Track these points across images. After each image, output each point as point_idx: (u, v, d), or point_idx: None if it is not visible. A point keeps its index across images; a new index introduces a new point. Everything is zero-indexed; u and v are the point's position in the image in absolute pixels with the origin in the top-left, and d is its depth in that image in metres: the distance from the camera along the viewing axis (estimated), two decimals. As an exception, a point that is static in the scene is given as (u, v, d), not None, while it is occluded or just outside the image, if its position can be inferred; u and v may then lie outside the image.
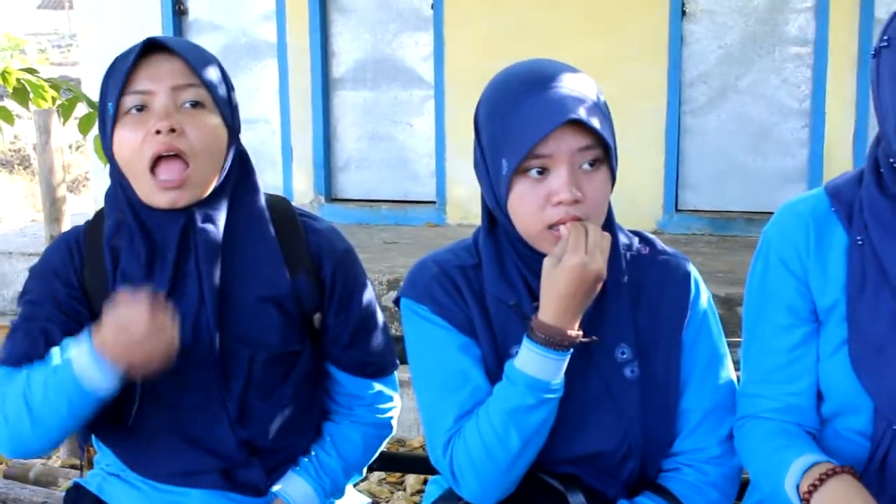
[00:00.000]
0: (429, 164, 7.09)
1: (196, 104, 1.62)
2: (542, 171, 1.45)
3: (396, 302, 1.66)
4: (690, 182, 6.48)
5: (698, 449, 1.61)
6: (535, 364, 1.47)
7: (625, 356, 1.55)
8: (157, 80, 1.60)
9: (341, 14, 7.20)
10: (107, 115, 1.63)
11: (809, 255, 1.50)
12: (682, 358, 1.60)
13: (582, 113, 1.42)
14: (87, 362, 1.53)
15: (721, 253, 5.72)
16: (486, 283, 1.57)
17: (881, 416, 1.43)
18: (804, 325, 1.53)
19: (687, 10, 6.35)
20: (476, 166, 1.56)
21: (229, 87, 1.69)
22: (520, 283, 1.55)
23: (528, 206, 1.46)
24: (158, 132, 1.56)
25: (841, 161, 5.94)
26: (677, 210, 6.47)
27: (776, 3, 6.23)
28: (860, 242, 1.45)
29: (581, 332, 1.48)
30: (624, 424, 1.56)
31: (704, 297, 1.64)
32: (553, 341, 1.46)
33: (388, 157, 7.25)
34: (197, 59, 1.63)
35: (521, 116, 1.43)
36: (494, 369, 1.56)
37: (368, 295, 1.84)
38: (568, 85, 1.45)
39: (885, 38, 1.37)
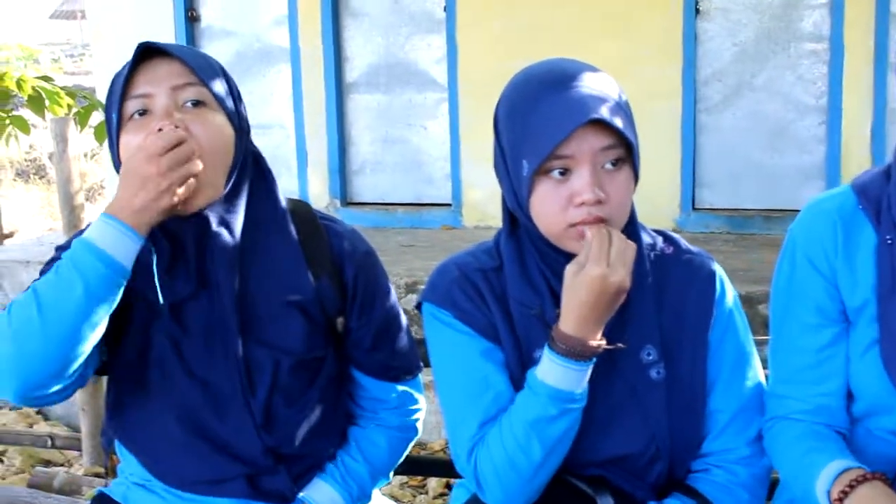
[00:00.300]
0: (444, 167, 7.08)
1: (198, 103, 1.61)
2: (564, 172, 1.43)
3: (418, 306, 1.65)
4: (707, 180, 6.46)
5: (727, 450, 1.59)
6: (556, 375, 1.45)
7: (650, 357, 1.54)
8: (156, 82, 1.60)
9: (353, 18, 7.20)
10: (111, 124, 1.63)
11: (837, 255, 1.48)
12: (709, 358, 1.58)
13: (604, 112, 1.41)
14: (101, 229, 1.50)
15: (740, 251, 5.69)
16: (509, 285, 1.56)
17: None
18: (833, 326, 1.51)
19: (701, 9, 6.32)
20: (496, 167, 1.54)
21: (231, 86, 1.68)
22: (543, 285, 1.54)
23: (550, 207, 1.45)
24: (160, 131, 1.55)
25: (859, 157, 5.91)
26: (695, 209, 6.45)
27: (790, 0, 6.20)
28: (889, 241, 1.43)
29: (604, 341, 1.46)
30: (651, 426, 1.55)
31: (730, 295, 1.62)
32: (574, 352, 1.44)
33: (403, 161, 7.25)
34: (195, 60, 1.63)
35: (542, 116, 1.42)
36: (518, 374, 1.54)
37: (391, 297, 1.83)
38: (589, 84, 1.44)
39: None
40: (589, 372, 1.47)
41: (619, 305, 1.47)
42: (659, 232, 1.65)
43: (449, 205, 7.05)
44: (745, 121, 6.35)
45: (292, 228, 1.72)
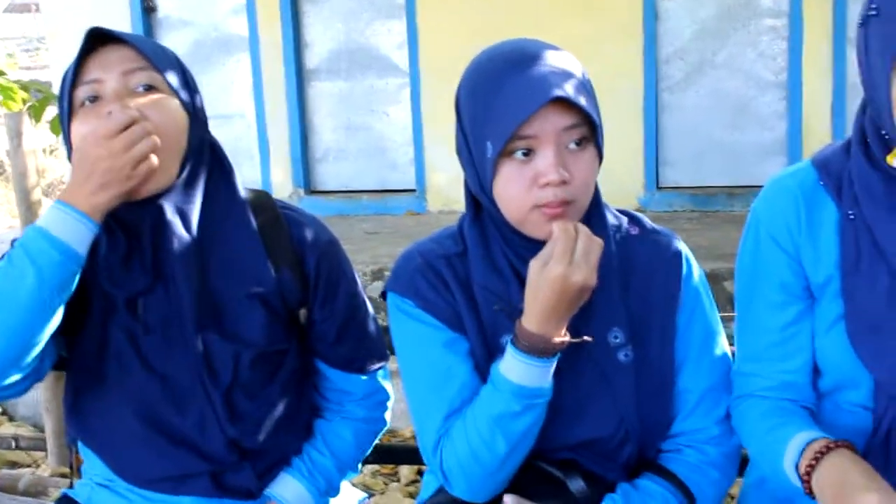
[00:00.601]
0: (407, 153, 7.06)
1: (150, 87, 1.57)
2: (528, 153, 1.40)
3: (383, 295, 1.63)
4: (670, 159, 6.48)
5: (697, 430, 1.58)
6: (519, 371, 1.43)
7: (618, 340, 1.52)
8: (107, 67, 1.56)
9: (313, 4, 7.15)
10: (63, 112, 1.60)
11: (801, 231, 1.47)
12: (677, 338, 1.57)
13: (567, 90, 1.38)
14: (53, 216, 1.48)
15: (703, 228, 5.72)
16: (473, 271, 1.53)
17: (882, 391, 1.41)
18: (797, 303, 1.50)
19: (660, -13, 6.33)
20: (458, 151, 1.52)
21: (187, 76, 1.64)
22: (507, 269, 1.52)
23: (514, 189, 1.42)
24: (110, 114, 1.51)
25: (819, 133, 5.95)
26: (658, 187, 6.47)
27: (748, -24, 6.21)
28: (852, 217, 1.42)
29: (567, 337, 1.44)
30: (620, 409, 1.53)
31: (696, 274, 1.61)
32: (537, 349, 1.42)
33: (366, 147, 7.22)
34: (146, 45, 1.59)
35: (504, 97, 1.39)
36: (484, 362, 1.52)
37: (355, 287, 1.80)
38: (551, 62, 1.41)
39: (874, 6, 1.33)
40: (553, 367, 1.45)
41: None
42: (624, 212, 1.63)
43: (413, 190, 7.04)
44: (707, 98, 6.38)
45: (252, 219, 1.68)
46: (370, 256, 5.24)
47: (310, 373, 1.82)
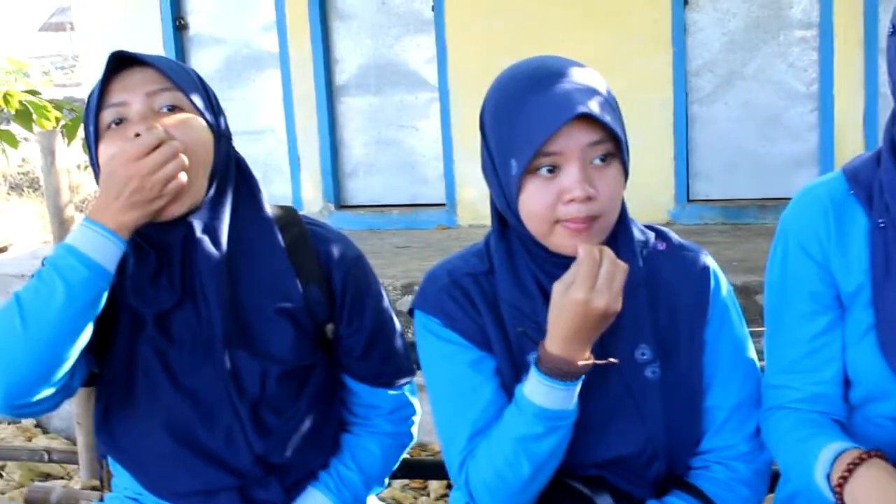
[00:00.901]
0: (437, 167, 7.07)
1: (174, 108, 1.59)
2: (553, 169, 1.40)
3: (410, 312, 1.63)
4: (701, 171, 6.44)
5: (727, 446, 1.57)
6: (542, 394, 1.42)
7: (645, 357, 1.51)
8: (131, 89, 1.58)
9: (342, 21, 7.18)
10: (89, 136, 1.61)
11: (830, 240, 1.46)
12: (705, 354, 1.56)
13: (591, 107, 1.38)
14: (82, 233, 1.49)
15: (735, 241, 5.68)
16: (500, 289, 1.53)
17: None
18: (828, 313, 1.49)
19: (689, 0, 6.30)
20: (484, 169, 1.52)
21: (210, 95, 1.66)
22: (534, 287, 1.51)
23: (539, 206, 1.42)
24: (138, 135, 1.52)
25: (852, 143, 5.89)
26: (689, 200, 6.43)
27: (779, -13, 6.18)
28: (882, 225, 1.41)
29: (591, 358, 1.42)
30: (648, 426, 1.52)
31: (724, 289, 1.60)
32: (560, 372, 1.41)
33: (396, 162, 7.23)
34: (169, 66, 1.61)
35: (528, 114, 1.39)
36: (511, 380, 1.52)
37: (382, 302, 1.80)
38: (574, 79, 1.41)
39: None
40: (577, 389, 1.44)
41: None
42: (651, 227, 1.62)
43: (443, 204, 7.03)
44: (737, 110, 6.34)
45: (279, 235, 1.69)
46: (401, 271, 5.24)
47: (337, 388, 1.82)
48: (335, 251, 1.74)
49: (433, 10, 6.87)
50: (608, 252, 1.40)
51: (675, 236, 1.62)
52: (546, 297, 1.47)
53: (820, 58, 6.08)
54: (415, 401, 1.87)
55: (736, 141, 6.34)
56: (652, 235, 1.60)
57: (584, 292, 1.36)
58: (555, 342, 1.40)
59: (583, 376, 1.43)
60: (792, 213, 1.52)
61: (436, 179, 7.09)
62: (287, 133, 7.32)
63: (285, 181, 7.33)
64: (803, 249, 1.48)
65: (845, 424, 1.51)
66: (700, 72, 6.36)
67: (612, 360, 1.45)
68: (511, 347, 1.53)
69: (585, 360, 1.42)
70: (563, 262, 1.44)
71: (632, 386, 1.51)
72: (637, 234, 1.56)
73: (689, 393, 1.55)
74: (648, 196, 6.03)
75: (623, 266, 1.40)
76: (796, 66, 6.20)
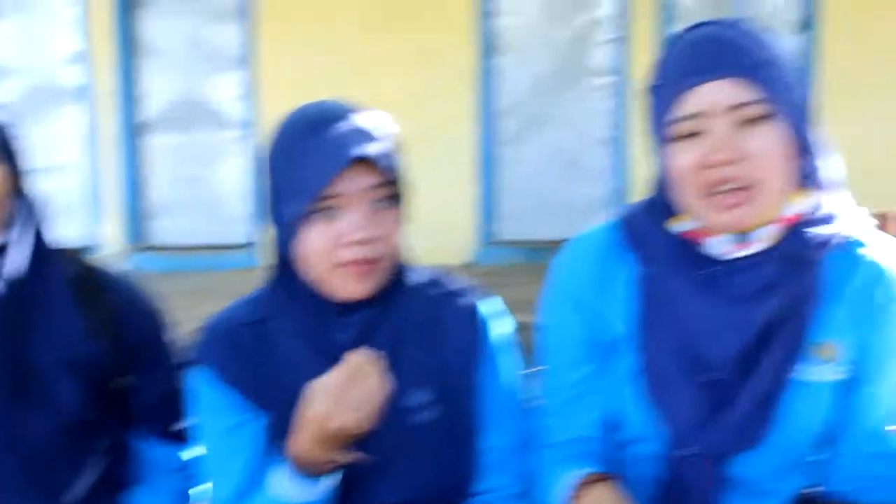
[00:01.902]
0: (242, 208, 6.94)
1: None
2: (333, 212, 1.39)
3: (186, 363, 1.57)
4: (504, 213, 6.53)
5: (499, 487, 1.55)
6: (287, 488, 1.39)
7: (420, 401, 1.49)
8: None
9: (149, 56, 7.05)
10: None
11: (596, 289, 1.49)
12: (480, 396, 1.55)
13: (368, 150, 1.38)
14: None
15: (535, 282, 5.66)
16: (276, 336, 1.49)
17: (676, 442, 1.44)
18: (592, 360, 1.52)
19: (496, 44, 6.43)
20: (266, 212, 1.48)
21: (5, 140, 1.55)
22: (312, 333, 1.47)
23: (317, 248, 1.39)
24: None
25: (646, 187, 6.04)
26: (492, 242, 6.48)
27: (580, 35, 6.38)
28: (647, 274, 1.46)
29: (339, 458, 1.38)
30: (426, 470, 1.50)
31: (499, 331, 1.60)
32: (305, 471, 1.38)
33: (201, 202, 7.10)
34: None
35: (306, 159, 1.38)
36: (282, 433, 1.45)
37: (174, 354, 1.72)
38: (354, 122, 1.41)
39: (657, 76, 1.39)
40: (326, 483, 1.40)
41: (388, 347, 1.43)
42: (427, 270, 1.61)
43: (248, 245, 6.90)
44: (540, 153, 6.48)
45: (68, 283, 1.61)
46: (204, 313, 5.05)
47: (125, 443, 1.72)
48: (128, 300, 1.66)
49: (244, 47, 6.80)
50: (373, 369, 1.36)
51: (451, 279, 1.62)
52: (324, 342, 1.46)
53: (617, 104, 6.25)
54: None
55: (538, 183, 6.46)
56: (428, 278, 1.59)
57: (326, 406, 1.32)
58: (297, 444, 1.37)
59: (332, 472, 1.40)
60: (561, 262, 1.55)
61: (241, 220, 6.96)
62: (89, 170, 7.09)
63: (85, 220, 7.09)
64: (570, 298, 1.51)
65: (609, 463, 1.53)
66: (505, 114, 6.48)
67: (361, 457, 1.40)
68: (286, 399, 1.46)
69: (331, 462, 1.38)
70: (339, 310, 1.44)
71: (410, 430, 1.49)
72: (413, 277, 1.55)
73: (465, 435, 1.53)
74: (452, 237, 6.04)
75: (381, 387, 1.35)
76: (596, 111, 6.37)
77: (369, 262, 1.41)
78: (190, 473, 1.77)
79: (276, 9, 6.75)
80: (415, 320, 1.52)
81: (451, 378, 1.53)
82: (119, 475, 1.72)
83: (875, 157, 6.49)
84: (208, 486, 1.55)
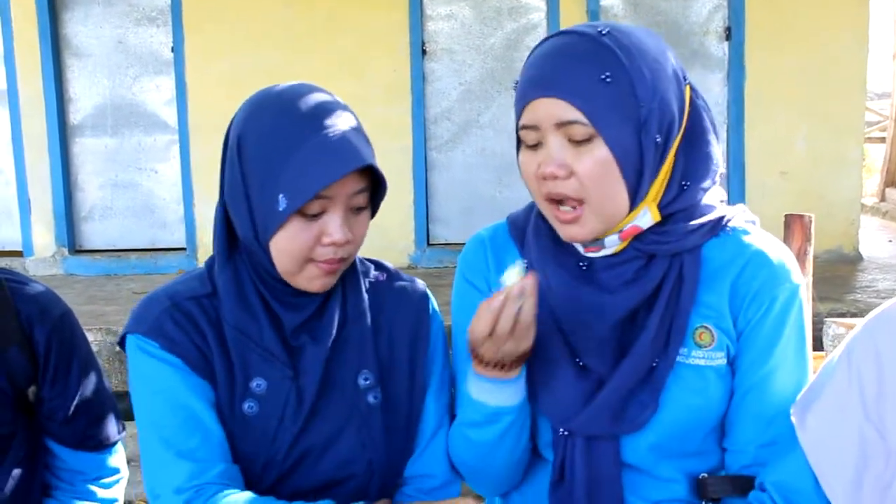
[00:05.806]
0: (177, 210, 6.92)
1: None
2: (318, 213, 1.41)
3: (121, 342, 1.56)
4: (440, 216, 6.63)
5: (435, 475, 1.60)
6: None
7: (367, 382, 1.53)
8: None
9: (77, 58, 6.94)
10: None
11: (490, 272, 1.59)
12: (420, 382, 1.59)
13: (369, 157, 1.40)
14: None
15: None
16: (225, 311, 1.49)
17: (556, 423, 1.50)
18: None
19: (427, 49, 6.50)
20: (230, 192, 1.47)
21: None
22: (261, 311, 1.49)
23: (297, 245, 1.41)
24: None
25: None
26: (429, 244, 6.59)
27: (511, 41, 6.49)
28: (526, 264, 1.53)
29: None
30: (368, 450, 1.54)
31: (440, 320, 1.66)
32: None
33: (134, 205, 7.03)
34: None
35: (307, 156, 1.38)
36: (229, 410, 1.48)
37: (90, 362, 1.71)
38: (348, 123, 1.42)
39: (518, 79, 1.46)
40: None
41: (337, 330, 1.49)
42: (370, 260, 1.66)
43: (184, 248, 6.88)
44: (474, 157, 6.58)
45: None
46: (135, 318, 5.08)
47: (40, 452, 1.71)
48: (37, 309, 1.63)
49: (172, 50, 6.76)
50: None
51: (393, 268, 1.66)
52: (274, 321, 1.48)
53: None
54: (121, 464, 1.80)
55: (473, 186, 6.57)
56: (372, 267, 1.64)
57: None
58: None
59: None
60: (462, 254, 1.65)
61: (175, 223, 6.94)
62: (16, 174, 6.96)
63: (14, 225, 6.97)
64: (471, 283, 1.60)
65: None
66: (438, 120, 6.56)
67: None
68: (234, 372, 1.49)
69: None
70: (293, 291, 1.47)
71: (354, 410, 1.53)
72: (359, 266, 1.60)
73: (408, 417, 1.58)
74: (390, 240, 6.13)
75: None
76: (527, 115, 6.50)
77: (340, 262, 1.45)
78: (111, 481, 1.77)
79: (203, 12, 6.70)
80: (363, 306, 1.55)
81: (399, 360, 1.57)
82: (39, 484, 1.71)
83: (795, 160, 6.80)
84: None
